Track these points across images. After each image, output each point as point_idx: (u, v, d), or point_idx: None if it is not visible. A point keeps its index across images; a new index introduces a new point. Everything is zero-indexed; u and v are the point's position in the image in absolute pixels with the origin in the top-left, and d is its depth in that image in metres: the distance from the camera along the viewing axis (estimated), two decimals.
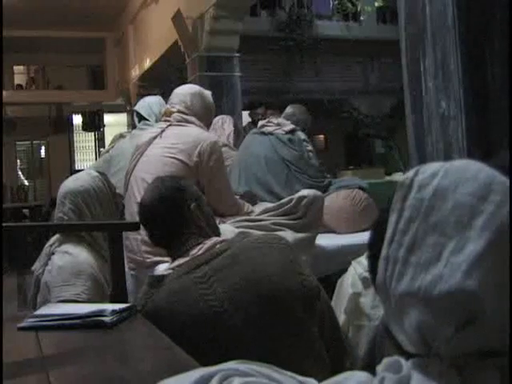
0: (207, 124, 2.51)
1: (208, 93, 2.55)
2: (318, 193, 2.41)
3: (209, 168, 2.29)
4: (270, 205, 2.48)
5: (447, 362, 0.57)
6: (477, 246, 0.56)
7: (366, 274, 1.66)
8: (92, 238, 1.92)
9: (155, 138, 2.39)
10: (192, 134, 2.35)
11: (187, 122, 2.39)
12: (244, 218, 2.34)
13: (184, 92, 2.49)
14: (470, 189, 0.58)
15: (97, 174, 2.04)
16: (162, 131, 2.39)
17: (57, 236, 1.93)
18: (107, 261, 1.87)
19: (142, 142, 2.43)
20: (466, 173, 0.60)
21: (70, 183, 1.97)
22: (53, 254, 1.87)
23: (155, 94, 3.53)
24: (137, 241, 2.24)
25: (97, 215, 1.94)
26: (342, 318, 1.76)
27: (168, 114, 2.43)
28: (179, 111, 2.41)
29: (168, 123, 2.41)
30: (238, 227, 2.13)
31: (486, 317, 0.55)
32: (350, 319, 1.77)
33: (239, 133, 3.79)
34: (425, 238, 0.59)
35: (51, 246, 1.90)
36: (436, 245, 0.58)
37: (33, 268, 1.91)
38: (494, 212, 0.57)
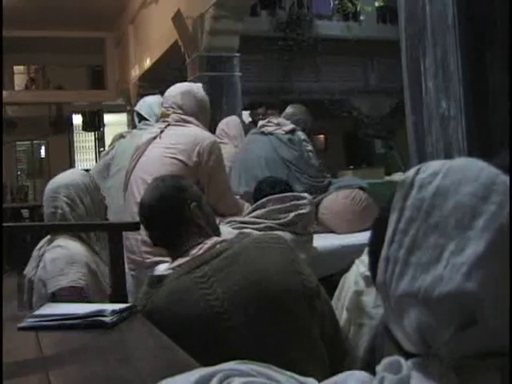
0: (205, 121, 2.49)
1: (198, 86, 2.51)
2: (311, 205, 2.32)
3: (208, 168, 2.29)
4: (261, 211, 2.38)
5: (447, 362, 0.57)
6: (477, 247, 0.55)
7: (368, 273, 1.66)
8: (86, 234, 1.94)
9: (155, 138, 2.39)
10: (191, 133, 2.35)
11: (185, 121, 2.39)
12: (239, 219, 2.30)
13: (173, 93, 2.46)
14: (471, 189, 0.58)
15: (84, 171, 2.09)
16: (162, 131, 2.39)
17: (45, 239, 1.93)
18: (98, 253, 1.90)
19: (142, 143, 2.43)
20: (467, 172, 0.59)
21: (61, 178, 2.01)
22: (42, 254, 1.87)
23: (155, 94, 3.52)
24: (137, 241, 2.24)
25: (89, 209, 1.96)
26: (343, 316, 1.75)
27: (164, 115, 2.43)
28: (174, 112, 2.40)
29: (167, 123, 2.40)
30: (233, 228, 2.11)
31: (486, 318, 0.55)
32: (352, 318, 1.77)
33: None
34: (425, 238, 0.58)
35: (40, 249, 1.91)
36: (436, 245, 0.57)
37: (24, 272, 1.91)
38: (495, 212, 0.56)
